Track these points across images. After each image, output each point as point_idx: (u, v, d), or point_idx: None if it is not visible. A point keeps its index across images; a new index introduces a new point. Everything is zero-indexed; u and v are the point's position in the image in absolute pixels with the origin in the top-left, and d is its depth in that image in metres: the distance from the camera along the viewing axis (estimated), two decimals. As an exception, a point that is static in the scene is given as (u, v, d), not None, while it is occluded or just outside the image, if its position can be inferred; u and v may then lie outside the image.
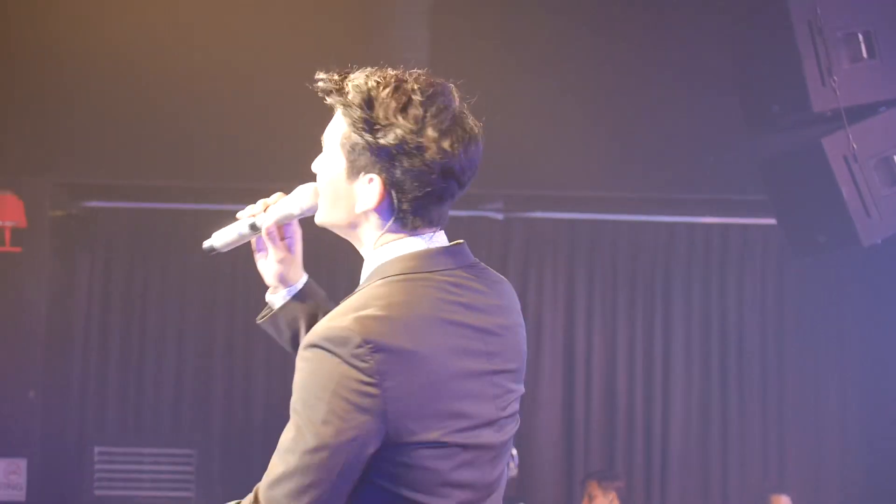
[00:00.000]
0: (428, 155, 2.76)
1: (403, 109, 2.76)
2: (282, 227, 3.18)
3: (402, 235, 2.82)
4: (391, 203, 2.79)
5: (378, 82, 2.77)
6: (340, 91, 2.81)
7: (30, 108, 9.23)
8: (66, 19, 8.96)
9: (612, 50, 9.39)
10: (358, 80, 2.79)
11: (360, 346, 2.51)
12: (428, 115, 2.76)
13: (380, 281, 2.73)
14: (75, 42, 8.87)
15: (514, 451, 8.90)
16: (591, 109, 9.42)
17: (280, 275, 3.20)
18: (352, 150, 2.79)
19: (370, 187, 2.78)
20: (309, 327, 3.12)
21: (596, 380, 10.11)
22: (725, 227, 10.21)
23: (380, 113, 2.76)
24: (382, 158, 2.75)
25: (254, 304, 9.93)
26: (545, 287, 10.19)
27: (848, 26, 7.89)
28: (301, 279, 3.24)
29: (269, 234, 3.13)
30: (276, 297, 3.24)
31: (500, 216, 10.17)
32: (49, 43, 8.93)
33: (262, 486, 2.63)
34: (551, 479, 10.01)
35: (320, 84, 2.85)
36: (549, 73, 9.34)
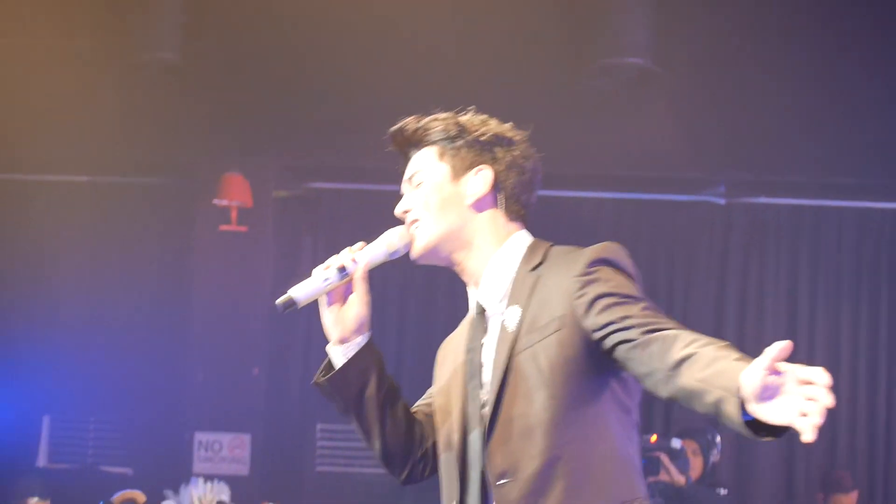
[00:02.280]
0: (518, 148, 3.29)
1: (486, 121, 3.33)
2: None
3: (517, 226, 3.27)
4: (496, 194, 3.24)
5: (451, 113, 3.34)
6: (420, 129, 3.33)
7: (256, 89, 9.38)
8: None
9: (843, 34, 9.15)
10: (433, 116, 3.35)
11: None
12: (505, 125, 3.34)
13: (549, 251, 3.20)
14: (301, 22, 8.98)
15: (718, 438, 8.78)
16: (817, 94, 9.21)
17: (362, 320, 3.28)
18: (454, 154, 3.25)
19: (478, 177, 3.23)
20: (380, 381, 3.28)
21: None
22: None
23: (469, 122, 3.31)
24: (484, 150, 3.26)
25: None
26: (767, 274, 10.01)
27: None
28: (369, 330, 3.34)
29: (361, 276, 3.27)
30: (348, 347, 3.29)
31: (722, 201, 10.03)
32: (275, 23, 9.05)
33: (647, 326, 2.87)
34: (770, 477, 9.82)
35: (402, 134, 3.37)
36: (775, 56, 9.15)
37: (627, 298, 2.94)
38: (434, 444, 3.33)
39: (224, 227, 9.48)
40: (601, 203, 10.09)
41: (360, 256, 3.29)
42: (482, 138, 3.27)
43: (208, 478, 8.24)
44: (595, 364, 2.98)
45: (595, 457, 2.98)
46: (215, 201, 9.41)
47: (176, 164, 9.92)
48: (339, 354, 3.29)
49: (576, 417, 2.98)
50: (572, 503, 2.95)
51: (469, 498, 3.10)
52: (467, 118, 3.32)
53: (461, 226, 3.22)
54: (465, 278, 3.28)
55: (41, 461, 10.10)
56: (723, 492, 8.63)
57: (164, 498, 8.13)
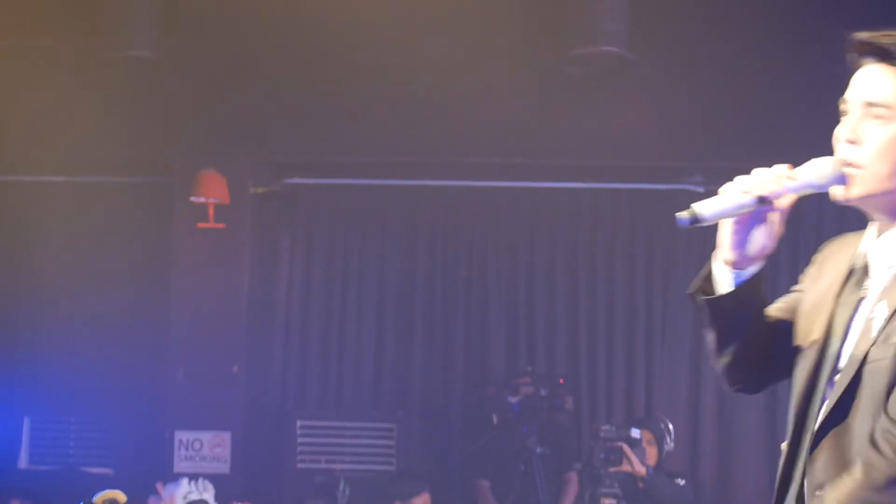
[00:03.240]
0: None
1: None
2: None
3: None
4: None
5: None
6: None
7: (232, 85, 9.36)
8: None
9: (818, 19, 9.15)
10: None
11: None
12: None
13: None
14: (278, 20, 8.95)
15: (671, 426, 8.77)
16: (795, 80, 9.21)
17: (765, 252, 2.89)
18: None
19: None
20: (755, 316, 2.95)
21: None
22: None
23: None
24: None
25: (451, 278, 9.96)
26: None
27: None
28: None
29: (784, 206, 2.86)
30: (739, 274, 2.92)
31: (700, 189, 10.00)
32: (251, 20, 9.03)
33: None
34: (752, 456, 9.81)
35: (864, 38, 2.82)
36: (750, 42, 9.15)
37: None
38: (777, 362, 3.01)
39: (202, 225, 9.43)
40: (578, 193, 10.05)
41: (788, 186, 2.85)
42: None
43: (192, 477, 8.22)
44: None
45: None
46: (192, 199, 9.36)
47: (153, 162, 9.87)
48: (725, 278, 2.92)
49: None
50: None
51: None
52: None
53: None
54: (874, 217, 2.90)
55: (22, 463, 10.06)
56: (681, 482, 8.64)
57: (145, 497, 8.10)
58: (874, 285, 2.82)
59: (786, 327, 2.98)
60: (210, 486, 8.09)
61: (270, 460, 9.59)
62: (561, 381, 9.19)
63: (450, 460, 9.73)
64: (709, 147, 9.55)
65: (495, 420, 9.09)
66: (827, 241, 3.12)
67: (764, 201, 2.83)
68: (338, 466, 9.32)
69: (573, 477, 9.12)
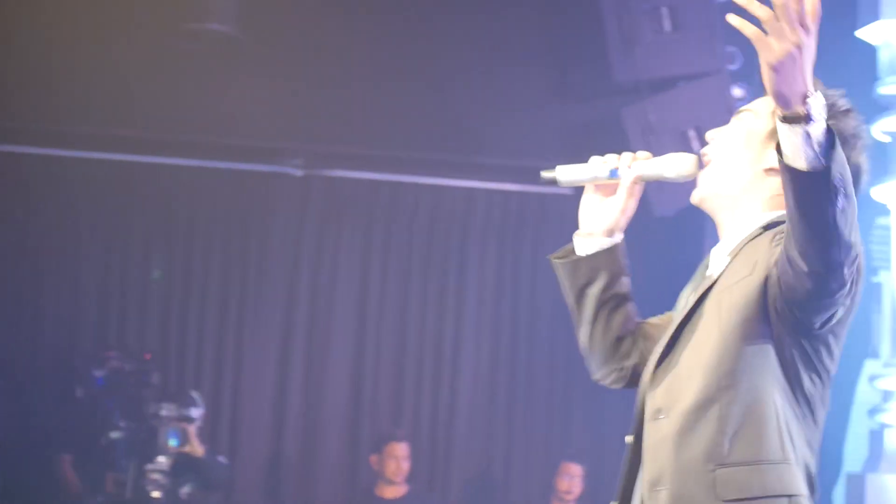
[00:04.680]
0: (841, 103, 3.04)
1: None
2: (639, 185, 3.24)
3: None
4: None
5: None
6: None
7: None
8: None
9: (419, 12, 9.40)
10: None
11: None
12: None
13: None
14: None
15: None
16: (397, 70, 9.42)
17: (611, 225, 3.25)
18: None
19: None
20: (607, 286, 3.25)
21: (386, 343, 10.10)
22: (523, 195, 10.24)
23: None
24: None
25: (46, 249, 9.70)
26: (341, 247, 10.12)
27: (654, -1, 8.00)
28: (619, 237, 3.29)
29: (631, 185, 3.21)
30: (590, 243, 3.27)
31: (299, 172, 10.07)
32: None
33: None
34: (339, 438, 9.98)
35: None
36: (357, 30, 9.30)
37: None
38: (636, 366, 3.27)
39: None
40: (177, 170, 9.96)
41: (637, 167, 3.21)
42: (836, 111, 3.01)
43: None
44: (774, 317, 2.93)
45: (752, 413, 2.91)
46: None
47: None
48: (580, 245, 3.28)
49: (741, 366, 2.93)
50: (717, 450, 2.90)
51: (642, 433, 3.07)
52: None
53: (746, 186, 3.12)
54: (719, 222, 3.19)
55: None
56: (222, 459, 8.87)
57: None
58: (714, 269, 3.13)
59: (651, 332, 3.30)
60: None
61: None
62: (147, 356, 9.11)
63: (30, 434, 9.47)
64: (312, 131, 9.65)
65: (79, 394, 8.92)
66: None
67: (613, 173, 3.20)
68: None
69: None
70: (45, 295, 9.72)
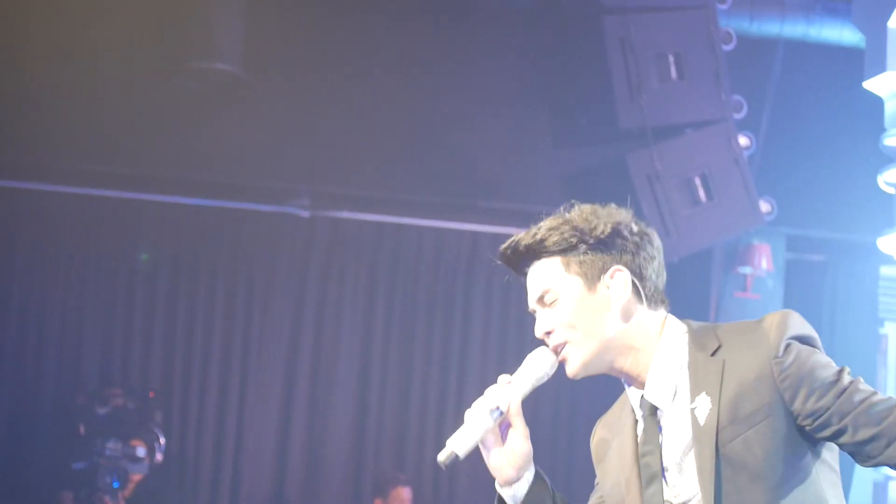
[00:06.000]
0: (637, 231, 3.07)
1: (594, 213, 3.08)
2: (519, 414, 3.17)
3: (663, 311, 3.11)
4: (637, 289, 3.05)
5: (560, 218, 3.09)
6: (536, 244, 3.08)
7: None
8: None
9: (425, 56, 9.44)
10: (543, 225, 3.10)
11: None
12: (610, 209, 3.09)
13: (717, 332, 3.05)
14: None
15: (163, 439, 8.86)
16: (404, 113, 9.45)
17: (526, 455, 3.16)
18: (582, 262, 3.04)
19: (616, 280, 3.04)
20: None
21: (390, 385, 10.08)
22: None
23: (581, 223, 3.05)
24: (609, 249, 3.04)
25: (50, 285, 9.70)
26: (346, 288, 10.13)
27: (659, 46, 8.03)
28: (531, 467, 3.21)
29: (517, 412, 3.15)
30: (520, 485, 3.19)
31: (305, 213, 10.09)
32: None
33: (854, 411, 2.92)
34: (341, 482, 9.96)
35: (509, 256, 3.15)
36: (363, 72, 9.34)
37: (830, 383, 2.93)
38: None
39: None
40: (183, 209, 9.97)
41: (512, 392, 3.17)
42: (603, 236, 3.06)
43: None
44: (804, 443, 2.96)
45: None
46: None
47: None
48: (509, 496, 3.19)
49: (795, 499, 2.95)
50: None
51: None
52: (578, 216, 3.11)
53: (613, 335, 3.06)
54: (625, 379, 3.14)
55: None
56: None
57: None
58: (671, 409, 3.06)
59: None
60: None
61: None
62: (152, 394, 9.10)
63: (36, 472, 9.45)
64: (318, 172, 9.67)
65: (82, 431, 8.91)
66: (594, 427, 3.37)
67: (497, 412, 3.14)
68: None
69: None
70: (47, 331, 9.71)
